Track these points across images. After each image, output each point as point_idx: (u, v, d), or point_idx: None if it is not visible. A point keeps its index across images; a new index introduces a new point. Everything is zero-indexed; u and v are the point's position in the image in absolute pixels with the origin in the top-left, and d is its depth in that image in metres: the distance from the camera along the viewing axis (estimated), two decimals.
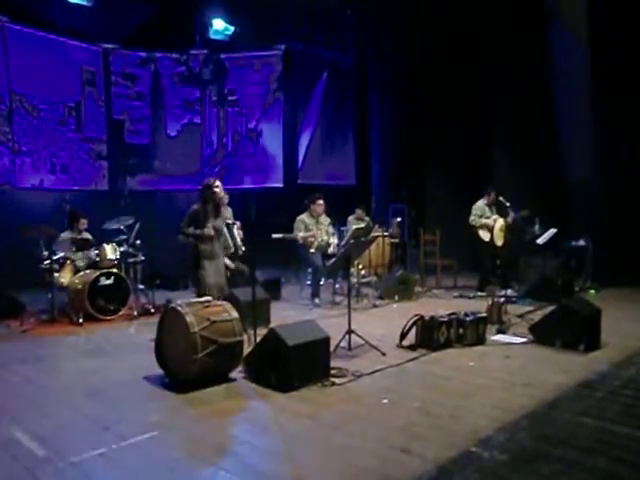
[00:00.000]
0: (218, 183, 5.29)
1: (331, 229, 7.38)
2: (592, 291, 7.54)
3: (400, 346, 4.84)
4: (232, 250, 5.90)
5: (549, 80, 8.68)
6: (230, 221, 5.50)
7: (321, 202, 7.24)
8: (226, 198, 7.43)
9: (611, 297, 7.09)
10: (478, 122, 9.59)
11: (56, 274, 6.18)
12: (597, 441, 2.96)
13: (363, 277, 7.75)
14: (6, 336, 5.58)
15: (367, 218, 8.19)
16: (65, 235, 6.53)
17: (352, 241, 5.90)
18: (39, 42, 8.78)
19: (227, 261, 5.93)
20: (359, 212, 8.17)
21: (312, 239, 7.07)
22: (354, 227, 7.28)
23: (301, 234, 7.05)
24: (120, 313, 6.31)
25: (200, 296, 4.68)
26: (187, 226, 5.25)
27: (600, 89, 8.10)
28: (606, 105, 8.04)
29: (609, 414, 3.33)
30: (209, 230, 5.16)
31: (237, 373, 4.08)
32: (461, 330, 4.87)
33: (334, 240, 7.25)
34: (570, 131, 8.60)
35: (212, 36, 10.22)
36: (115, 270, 6.40)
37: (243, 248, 5.68)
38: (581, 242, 8.10)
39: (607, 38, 7.92)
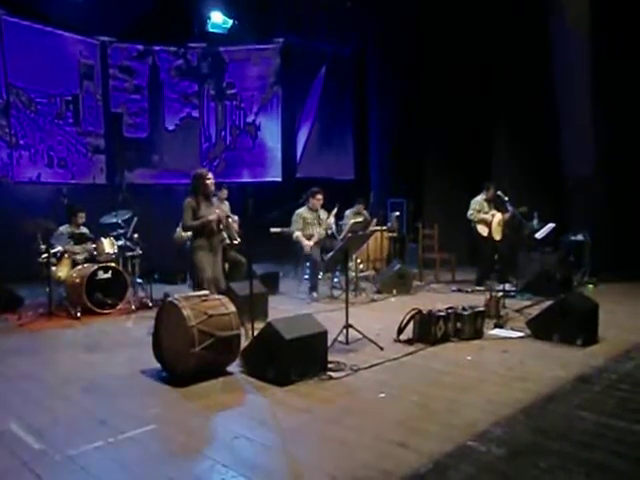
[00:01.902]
0: (210, 176, 5.23)
1: (331, 221, 7.30)
2: (590, 286, 7.55)
3: (398, 340, 4.84)
4: (227, 241, 5.91)
5: (550, 76, 8.65)
6: (224, 214, 5.48)
7: (320, 196, 7.22)
8: (224, 193, 7.44)
9: (609, 292, 7.11)
10: (478, 117, 9.57)
11: (54, 268, 6.17)
12: (594, 435, 2.97)
13: (361, 271, 7.75)
14: (4, 330, 5.57)
15: (365, 212, 8.18)
16: (63, 229, 6.52)
17: (350, 235, 5.90)
18: (36, 35, 8.74)
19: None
20: (359, 207, 8.15)
21: (307, 242, 6.99)
22: (352, 221, 7.26)
23: (297, 233, 7.02)
24: (118, 307, 6.30)
25: (198, 289, 4.67)
26: (189, 218, 5.16)
27: (601, 86, 8.08)
28: (607, 101, 8.03)
29: (606, 408, 3.33)
30: (213, 216, 5.09)
31: (234, 367, 4.08)
32: (459, 324, 4.87)
33: (332, 226, 7.24)
34: (571, 127, 8.59)
35: (210, 29, 10.17)
36: (113, 264, 6.39)
37: (238, 239, 5.69)
38: (579, 237, 8.11)
39: (609, 34, 7.88)
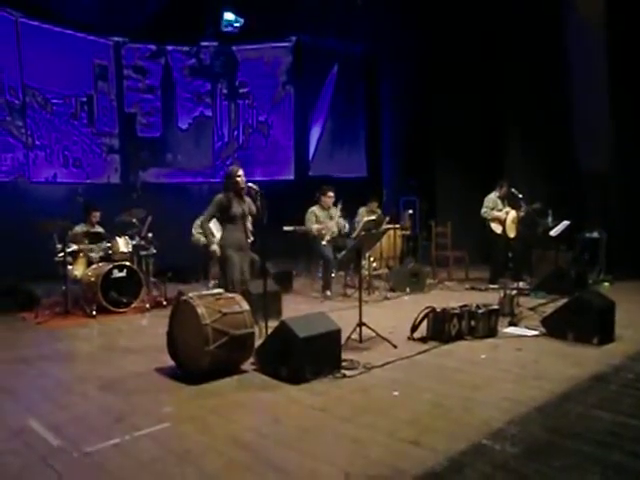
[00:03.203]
0: (241, 172, 5.12)
1: (342, 221, 7.36)
2: (606, 284, 7.46)
3: (411, 338, 4.84)
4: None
5: (564, 71, 8.56)
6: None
7: (331, 194, 7.23)
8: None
9: (625, 290, 7.02)
10: (492, 114, 9.50)
11: (69, 267, 6.25)
12: (610, 434, 2.94)
13: (374, 269, 7.74)
14: (22, 328, 5.66)
15: (379, 211, 8.17)
16: (79, 228, 6.59)
17: (363, 233, 5.89)
18: (52, 36, 8.84)
19: None
20: (372, 205, 8.13)
21: (325, 231, 7.07)
22: (365, 219, 7.26)
23: (315, 226, 7.05)
24: (132, 305, 6.36)
25: (225, 289, 4.62)
26: (211, 216, 5.13)
27: (617, 81, 7.98)
28: (623, 96, 7.93)
29: (622, 407, 3.30)
30: (214, 248, 5.09)
31: (248, 365, 4.10)
32: (473, 322, 4.85)
33: (346, 225, 7.23)
34: (586, 123, 8.48)
35: (223, 28, 10.19)
36: (127, 263, 6.45)
37: (252, 237, 5.71)
38: (595, 234, 8.02)
39: (625, 27, 7.78)
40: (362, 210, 8.14)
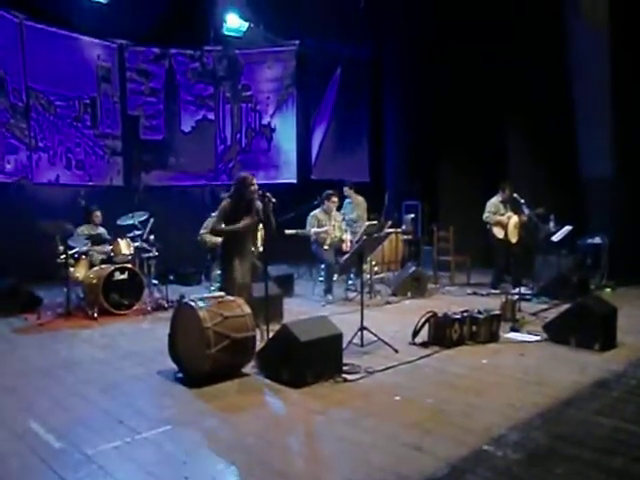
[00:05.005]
0: (254, 181, 4.89)
1: (344, 225, 7.39)
2: (608, 289, 7.44)
3: (413, 343, 4.82)
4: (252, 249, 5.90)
5: (568, 75, 8.56)
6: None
7: (335, 199, 7.25)
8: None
9: (628, 295, 7.00)
10: (495, 118, 9.49)
11: (71, 269, 6.25)
12: (613, 441, 2.93)
13: (376, 274, 7.74)
14: (23, 330, 5.66)
15: (361, 198, 8.27)
16: (82, 229, 6.60)
17: (365, 237, 5.89)
18: (55, 39, 8.85)
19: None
20: (346, 189, 8.21)
21: (325, 235, 7.08)
22: (367, 223, 7.27)
23: (314, 229, 7.07)
24: (134, 308, 6.35)
25: (226, 292, 4.56)
26: (219, 223, 4.88)
27: (620, 85, 7.97)
28: (627, 101, 7.91)
29: (625, 413, 3.29)
30: (245, 222, 4.76)
31: (250, 368, 4.10)
32: (474, 327, 4.84)
33: (347, 236, 7.24)
34: (589, 128, 8.48)
35: (226, 32, 10.24)
36: (129, 265, 6.45)
37: (261, 247, 5.68)
38: (597, 239, 8.00)
39: (629, 30, 7.77)
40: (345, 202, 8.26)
